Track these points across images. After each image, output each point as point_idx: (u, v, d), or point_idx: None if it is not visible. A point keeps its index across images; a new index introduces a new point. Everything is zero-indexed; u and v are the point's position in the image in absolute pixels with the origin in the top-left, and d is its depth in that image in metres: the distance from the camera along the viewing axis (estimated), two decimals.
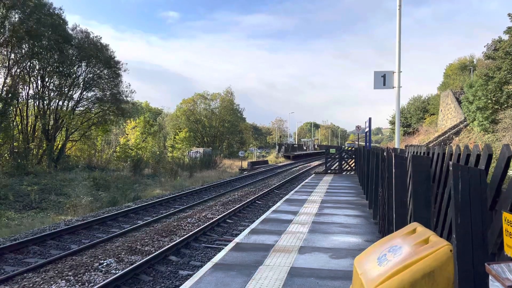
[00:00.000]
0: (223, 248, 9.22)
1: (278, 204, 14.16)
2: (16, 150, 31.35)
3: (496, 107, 34.36)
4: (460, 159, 3.89)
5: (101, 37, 37.74)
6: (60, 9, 34.50)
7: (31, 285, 8.07)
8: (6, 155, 31.16)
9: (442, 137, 40.15)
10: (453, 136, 39.67)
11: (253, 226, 10.28)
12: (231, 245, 8.32)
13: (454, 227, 3.06)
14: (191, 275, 8.04)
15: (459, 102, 42.24)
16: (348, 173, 29.48)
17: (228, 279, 6.25)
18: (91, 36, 37.14)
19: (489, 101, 34.08)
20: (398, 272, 3.30)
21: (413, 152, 6.70)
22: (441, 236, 3.95)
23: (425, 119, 54.13)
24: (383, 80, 15.05)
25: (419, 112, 56.19)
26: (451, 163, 3.24)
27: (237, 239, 8.80)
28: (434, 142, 38.58)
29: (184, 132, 59.89)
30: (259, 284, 6.02)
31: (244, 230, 9.87)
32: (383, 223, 8.61)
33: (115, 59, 38.41)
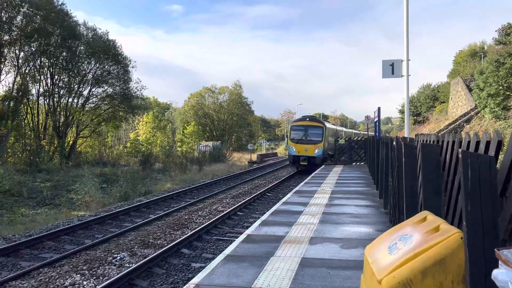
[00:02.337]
0: (234, 240, 9.29)
1: (288, 195, 14.19)
2: (28, 148, 31.76)
3: (507, 93, 33.91)
4: (469, 147, 3.87)
5: (108, 32, 37.91)
6: (63, 3, 34.50)
7: (47, 279, 8.23)
8: (19, 152, 31.58)
9: (453, 125, 39.78)
10: (464, 124, 39.27)
11: (263, 218, 10.33)
12: (242, 237, 8.38)
13: (464, 215, 3.06)
14: (203, 267, 8.12)
15: (470, 90, 41.74)
16: (358, 163, 29.39)
17: (240, 270, 6.31)
18: (99, 32, 37.28)
19: (500, 87, 33.63)
20: (409, 260, 3.31)
21: (423, 141, 6.67)
22: (451, 224, 3.94)
23: (435, 107, 53.60)
24: (391, 68, 14.92)
25: (429, 100, 55.64)
26: (460, 150, 3.23)
27: (248, 231, 8.86)
28: (444, 131, 38.23)
29: (192, 126, 60.09)
30: (270, 275, 6.07)
31: (255, 222, 9.92)
32: (394, 212, 8.61)
33: (123, 54, 38.57)
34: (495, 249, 2.31)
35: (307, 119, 31.60)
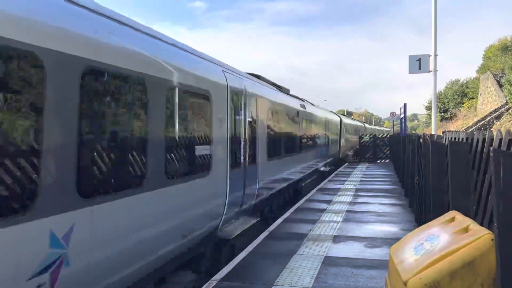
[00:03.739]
0: (257, 236, 9.27)
1: (312, 193, 14.08)
2: None
3: None
4: (501, 145, 3.72)
5: None
6: None
7: None
8: None
9: (482, 122, 38.67)
10: (494, 121, 38.13)
11: (286, 215, 10.27)
12: (264, 234, 8.35)
13: (496, 215, 2.93)
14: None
15: (500, 85, 40.44)
16: (383, 161, 28.91)
17: (263, 267, 6.29)
18: None
19: None
20: (437, 262, 3.21)
21: (451, 138, 6.48)
22: (481, 224, 3.80)
23: (463, 103, 52.21)
24: (418, 64, 14.57)
25: (457, 96, 54.22)
26: (491, 148, 3.10)
27: (270, 228, 8.82)
28: (473, 128, 37.23)
29: None
30: (293, 273, 6.02)
31: (277, 219, 9.89)
32: (420, 211, 8.42)
33: None
34: None
35: None
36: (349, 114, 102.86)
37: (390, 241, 7.59)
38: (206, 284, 5.65)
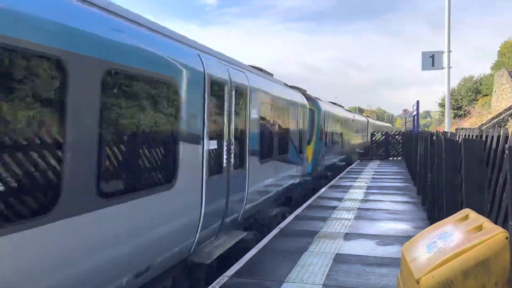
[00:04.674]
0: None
1: (323, 190, 14.04)
2: None
3: None
4: None
5: None
6: None
7: None
8: None
9: (496, 119, 38.09)
10: (509, 118, 37.53)
11: (297, 212, 10.26)
12: (275, 231, 8.35)
13: (510, 213, 2.90)
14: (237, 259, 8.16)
15: None
16: (395, 158, 28.69)
17: (274, 264, 6.29)
18: None
19: None
20: (450, 260, 3.18)
21: (465, 136, 6.40)
22: (495, 223, 3.76)
23: (477, 100, 51.49)
24: (431, 60, 14.41)
25: (470, 93, 53.51)
26: (507, 146, 3.06)
27: (281, 225, 8.82)
28: (487, 125, 36.71)
29: None
30: (304, 270, 6.02)
31: (288, 216, 9.88)
32: (433, 209, 8.34)
33: None
34: None
35: None
36: (360, 111, 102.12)
37: (402, 239, 7.54)
38: (217, 280, 5.67)
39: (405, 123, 43.96)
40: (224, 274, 5.90)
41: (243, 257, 6.67)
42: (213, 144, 6.17)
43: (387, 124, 36.79)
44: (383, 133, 30.46)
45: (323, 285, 5.48)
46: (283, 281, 5.61)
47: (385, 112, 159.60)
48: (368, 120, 38.25)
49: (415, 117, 22.23)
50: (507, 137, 3.97)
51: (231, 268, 6.15)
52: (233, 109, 7.00)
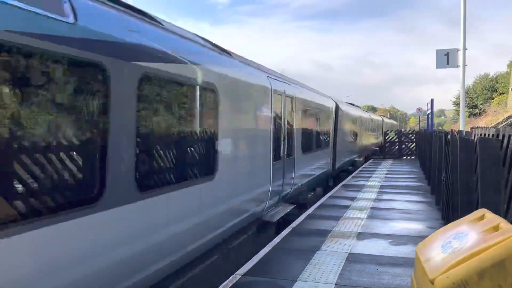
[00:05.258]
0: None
1: (335, 189, 13.98)
2: None
3: None
4: None
5: None
6: None
7: None
8: None
9: None
10: None
11: (309, 211, 10.24)
12: (287, 230, 8.35)
13: None
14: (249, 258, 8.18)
15: None
16: (408, 157, 28.42)
17: (286, 263, 6.30)
18: None
19: None
20: (465, 260, 3.15)
21: (480, 135, 6.31)
22: None
23: (493, 99, 50.69)
24: (446, 58, 14.23)
25: (486, 91, 52.71)
26: None
27: (293, 224, 8.81)
28: (503, 124, 36.12)
29: None
30: (316, 269, 6.01)
31: (300, 215, 9.87)
32: (447, 208, 8.25)
33: None
34: None
35: None
36: (373, 109, 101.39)
37: (416, 238, 7.48)
38: (230, 278, 5.70)
39: (419, 121, 43.53)
40: (237, 272, 5.92)
41: (255, 256, 6.68)
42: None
43: (393, 122, 36.56)
44: (397, 131, 30.18)
45: (335, 284, 5.46)
46: (296, 280, 5.60)
47: (399, 110, 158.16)
48: (383, 119, 38.86)
49: (429, 115, 21.99)
50: None
51: (243, 267, 6.17)
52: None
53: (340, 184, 15.18)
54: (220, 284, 5.55)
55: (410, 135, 29.44)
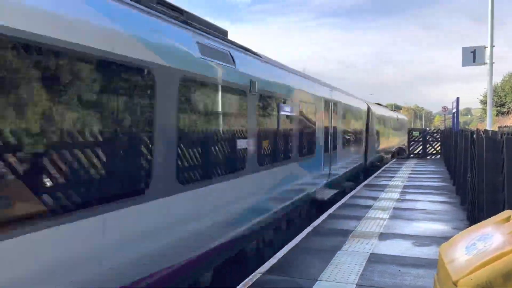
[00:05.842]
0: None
1: (357, 189, 13.84)
2: None
3: None
4: None
5: None
6: None
7: None
8: None
9: None
10: None
11: (331, 211, 10.16)
12: (308, 229, 8.31)
13: None
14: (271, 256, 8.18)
15: None
16: (433, 157, 27.87)
17: (306, 262, 6.27)
18: None
19: None
20: (490, 262, 3.07)
21: (508, 134, 6.13)
22: None
23: None
24: (473, 56, 13.88)
25: None
26: None
27: (314, 223, 8.77)
28: None
29: None
30: (337, 269, 5.96)
31: (321, 214, 9.80)
32: (473, 209, 8.06)
33: None
34: None
35: None
36: (397, 108, 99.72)
37: (439, 239, 7.33)
38: (250, 276, 5.71)
39: (444, 120, 42.61)
40: (257, 270, 5.93)
41: (276, 255, 6.68)
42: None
43: (402, 117, 35.10)
44: (421, 130, 29.63)
45: (357, 284, 5.41)
46: (316, 279, 5.58)
47: (423, 109, 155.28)
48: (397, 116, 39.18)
49: (455, 114, 21.50)
50: None
51: (263, 265, 6.17)
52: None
53: (363, 184, 15.01)
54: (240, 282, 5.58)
55: (435, 134, 28.86)
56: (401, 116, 36.02)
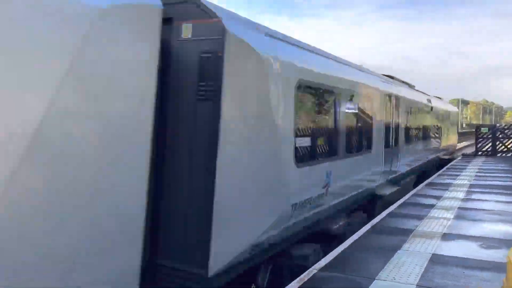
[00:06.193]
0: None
1: (419, 187, 13.34)
2: None
3: None
4: None
5: None
6: None
7: None
8: None
9: None
10: None
11: (391, 209, 9.91)
12: (367, 227, 8.18)
13: None
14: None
15: None
16: (503, 154, 26.13)
17: (364, 260, 6.19)
18: None
19: None
20: None
21: None
22: None
23: None
24: None
25: None
26: None
27: (373, 221, 8.61)
28: None
29: None
30: (396, 268, 5.84)
31: (381, 212, 9.59)
32: None
33: None
34: None
35: None
36: (464, 103, 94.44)
37: (508, 242, 6.93)
38: (306, 272, 5.74)
39: None
40: (313, 267, 5.96)
41: (333, 251, 6.66)
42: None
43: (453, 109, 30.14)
44: (491, 126, 27.87)
45: (417, 285, 5.27)
46: (374, 278, 5.50)
47: (493, 104, 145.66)
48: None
49: None
50: None
51: (320, 262, 6.18)
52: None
53: (425, 182, 14.44)
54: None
55: (506, 131, 27.02)
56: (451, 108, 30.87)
